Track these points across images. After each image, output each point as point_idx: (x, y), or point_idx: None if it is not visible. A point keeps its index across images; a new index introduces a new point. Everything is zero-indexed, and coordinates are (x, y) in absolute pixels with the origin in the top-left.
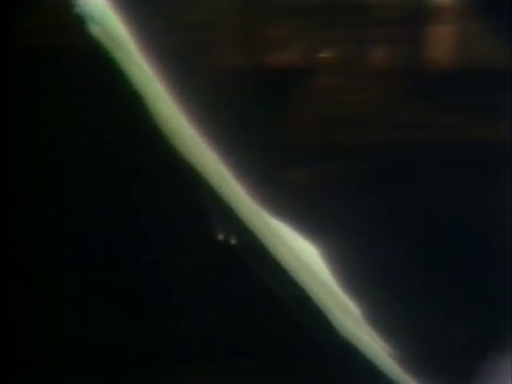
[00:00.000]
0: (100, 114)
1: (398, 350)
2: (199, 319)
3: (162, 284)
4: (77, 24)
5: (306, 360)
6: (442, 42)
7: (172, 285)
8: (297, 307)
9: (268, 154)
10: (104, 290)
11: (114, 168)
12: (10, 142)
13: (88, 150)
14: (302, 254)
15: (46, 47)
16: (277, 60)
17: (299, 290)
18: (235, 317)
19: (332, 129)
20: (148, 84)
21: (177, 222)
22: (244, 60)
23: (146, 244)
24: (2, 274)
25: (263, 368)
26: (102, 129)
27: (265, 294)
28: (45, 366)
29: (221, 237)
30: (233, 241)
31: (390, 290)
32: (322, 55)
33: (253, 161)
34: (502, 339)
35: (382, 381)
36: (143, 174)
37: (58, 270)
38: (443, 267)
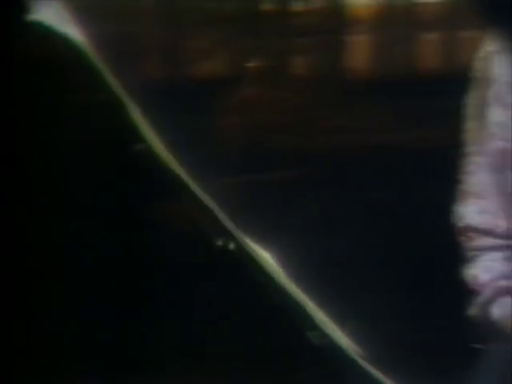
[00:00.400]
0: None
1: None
2: (199, 320)
3: (159, 286)
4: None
5: (297, 360)
6: (365, 51)
7: (170, 287)
8: (287, 310)
9: (199, 161)
10: (102, 292)
11: (100, 164)
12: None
13: (76, 142)
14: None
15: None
16: (202, 70)
17: (285, 293)
18: (229, 319)
19: (258, 136)
20: (111, 88)
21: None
22: (171, 70)
23: (141, 243)
24: (4, 278)
25: (253, 368)
26: (89, 126)
27: (257, 297)
28: (45, 366)
29: (214, 240)
30: (223, 245)
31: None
32: (247, 64)
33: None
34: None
35: (364, 380)
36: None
37: (58, 275)
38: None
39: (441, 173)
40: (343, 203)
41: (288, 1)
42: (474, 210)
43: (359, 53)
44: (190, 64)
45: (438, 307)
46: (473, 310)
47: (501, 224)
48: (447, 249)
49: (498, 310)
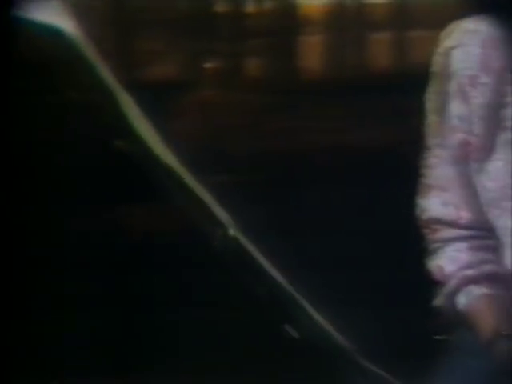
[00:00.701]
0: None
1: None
2: (197, 320)
3: (157, 287)
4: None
5: (296, 359)
6: (320, 52)
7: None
8: (284, 306)
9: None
10: (102, 293)
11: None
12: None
13: (70, 139)
14: None
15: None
16: (152, 73)
17: (281, 288)
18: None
19: (213, 138)
20: (105, 83)
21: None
22: (123, 73)
23: (137, 242)
24: (4, 277)
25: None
26: (83, 123)
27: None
28: (45, 366)
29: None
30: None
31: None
32: (199, 67)
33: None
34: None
35: (360, 373)
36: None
37: (58, 272)
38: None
39: (401, 169)
40: (300, 203)
41: (242, 2)
42: (438, 202)
43: (314, 53)
44: (143, 66)
45: (403, 299)
46: (438, 301)
47: (464, 215)
48: (412, 242)
49: (463, 300)
